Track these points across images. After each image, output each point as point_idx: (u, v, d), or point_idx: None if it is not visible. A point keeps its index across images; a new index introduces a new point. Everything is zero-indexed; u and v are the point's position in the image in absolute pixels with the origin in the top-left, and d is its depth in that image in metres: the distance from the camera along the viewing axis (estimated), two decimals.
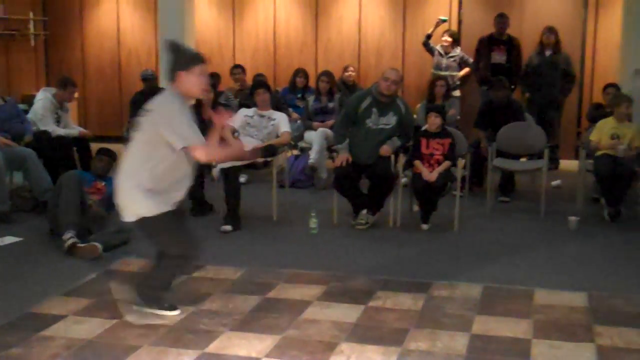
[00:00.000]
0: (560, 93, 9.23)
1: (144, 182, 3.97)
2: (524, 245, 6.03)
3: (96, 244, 5.56)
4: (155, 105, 3.94)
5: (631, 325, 4.15)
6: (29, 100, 9.12)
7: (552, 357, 3.74)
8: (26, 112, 8.28)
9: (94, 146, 7.55)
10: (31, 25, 11.84)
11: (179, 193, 4.14)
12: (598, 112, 7.93)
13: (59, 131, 8.07)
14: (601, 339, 3.97)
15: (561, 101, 9.35)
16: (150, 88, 8.99)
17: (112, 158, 6.47)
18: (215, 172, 6.56)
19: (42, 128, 7.93)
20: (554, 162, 9.12)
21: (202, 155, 3.94)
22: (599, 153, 6.88)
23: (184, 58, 3.95)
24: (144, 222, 4.05)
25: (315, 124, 8.50)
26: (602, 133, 6.90)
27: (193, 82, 3.95)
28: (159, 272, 4.30)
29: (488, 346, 3.88)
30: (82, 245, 5.54)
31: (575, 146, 9.32)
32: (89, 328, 4.10)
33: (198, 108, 7.27)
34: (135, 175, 3.98)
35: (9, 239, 6.03)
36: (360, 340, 3.94)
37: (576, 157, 8.03)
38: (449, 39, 9.70)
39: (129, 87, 11.33)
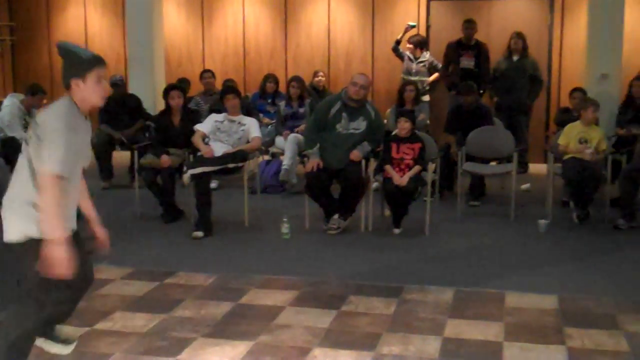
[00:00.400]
0: (528, 97, 9.34)
1: (33, 199, 3.29)
2: (494, 248, 6.08)
3: None
4: (43, 118, 3.34)
5: (601, 327, 4.21)
6: None
7: (524, 359, 3.77)
8: None
9: None
10: None
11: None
12: (565, 116, 8.04)
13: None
14: (572, 340, 4.01)
15: (529, 105, 9.46)
16: (119, 94, 8.95)
17: None
18: (186, 177, 6.53)
19: (10, 134, 7.85)
20: (523, 166, 9.22)
21: (44, 185, 3.18)
22: (567, 157, 6.96)
23: (77, 62, 3.35)
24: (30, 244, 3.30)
25: (285, 132, 8.49)
26: (569, 137, 6.98)
27: (90, 89, 3.35)
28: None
29: (460, 349, 3.90)
30: None
31: (543, 150, 9.42)
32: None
33: (168, 114, 7.27)
34: (25, 192, 3.33)
35: None
36: (333, 345, 3.94)
37: (545, 160, 8.12)
38: (411, 46, 9.74)
39: None
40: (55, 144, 3.18)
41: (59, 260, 3.14)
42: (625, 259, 5.78)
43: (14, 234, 3.32)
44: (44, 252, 3.14)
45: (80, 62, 3.34)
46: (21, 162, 3.39)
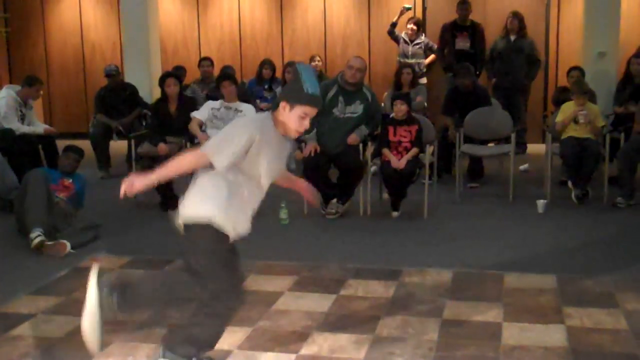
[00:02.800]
0: (525, 77, 9.32)
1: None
2: (493, 229, 6.08)
3: (64, 241, 5.51)
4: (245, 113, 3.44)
5: (600, 306, 4.20)
6: None
7: (523, 339, 3.77)
8: None
9: (60, 143, 7.47)
10: None
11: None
12: (563, 96, 7.99)
13: (24, 129, 7.98)
14: (571, 320, 4.01)
15: (527, 85, 9.43)
16: (114, 84, 8.93)
17: (79, 155, 6.41)
18: None
19: (6, 126, 7.83)
20: (521, 147, 9.20)
21: (193, 153, 3.32)
22: (564, 136, 6.94)
23: (296, 90, 3.29)
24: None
25: None
26: (565, 115, 6.96)
27: (292, 119, 3.29)
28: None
29: (459, 331, 3.90)
30: (50, 243, 5.48)
31: (542, 130, 9.41)
32: (59, 326, 4.05)
33: (164, 102, 7.25)
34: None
35: None
36: (332, 329, 3.94)
37: (543, 140, 8.10)
38: (414, 27, 9.71)
39: (94, 83, 11.20)
40: (229, 139, 3.22)
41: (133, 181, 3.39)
42: (624, 237, 5.78)
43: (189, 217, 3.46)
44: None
45: (299, 92, 3.29)
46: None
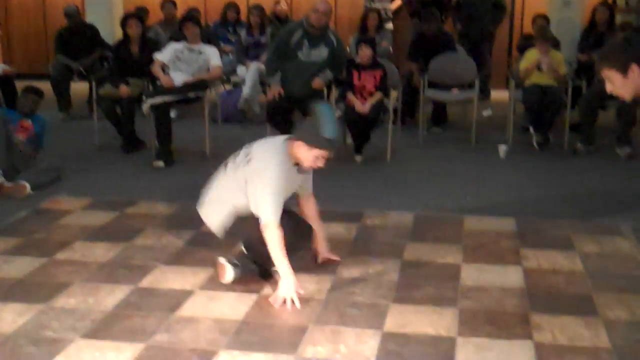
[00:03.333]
0: (491, 24, 9.29)
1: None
2: (455, 173, 6.13)
3: (24, 182, 5.45)
4: (256, 156, 3.70)
5: (557, 248, 4.29)
6: None
7: (480, 279, 3.84)
8: None
9: (20, 84, 7.32)
10: None
11: None
12: (527, 43, 8.02)
13: None
14: (528, 261, 4.09)
15: (492, 32, 9.41)
16: (74, 24, 8.73)
17: (38, 96, 6.30)
18: (145, 107, 6.45)
19: None
20: (485, 93, 9.24)
21: (268, 236, 3.56)
22: (528, 83, 6.98)
23: (311, 133, 3.58)
24: None
25: (248, 62, 8.39)
26: (529, 62, 6.99)
27: (303, 157, 3.62)
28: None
29: (419, 271, 3.96)
30: (10, 184, 5.42)
31: (506, 76, 9.44)
32: (19, 267, 4.03)
33: (126, 44, 7.12)
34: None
35: None
36: (296, 268, 3.95)
37: (507, 87, 8.14)
38: None
39: (54, 23, 10.91)
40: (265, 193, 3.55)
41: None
42: (582, 182, 5.87)
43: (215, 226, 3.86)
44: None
45: (317, 136, 3.55)
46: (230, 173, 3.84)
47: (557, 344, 3.14)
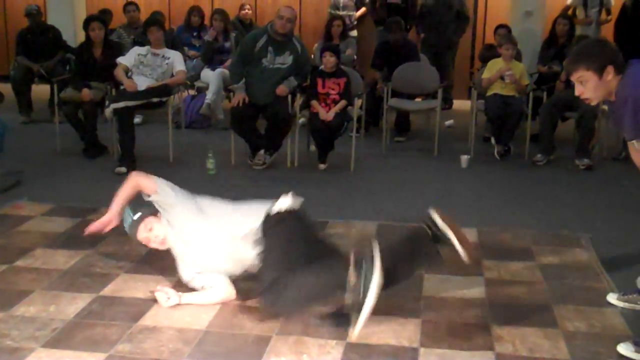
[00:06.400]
0: (454, 34, 9.39)
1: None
2: (417, 183, 6.18)
3: None
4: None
5: (517, 259, 4.34)
6: None
7: (443, 290, 3.88)
8: None
9: None
10: None
11: None
12: (490, 53, 8.12)
13: None
14: (489, 272, 4.14)
15: (455, 42, 9.52)
16: (35, 24, 8.62)
17: None
18: (108, 112, 6.39)
19: None
20: (447, 102, 9.33)
21: None
22: (489, 93, 7.07)
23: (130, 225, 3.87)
24: None
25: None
26: (492, 73, 7.08)
27: (135, 236, 3.89)
28: None
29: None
30: None
31: (468, 86, 9.54)
32: None
33: (88, 47, 7.05)
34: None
35: None
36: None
37: (469, 97, 8.23)
38: None
39: (16, 24, 10.75)
40: None
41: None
42: (543, 193, 5.96)
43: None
44: None
45: (129, 226, 3.86)
46: None
47: (517, 354, 3.19)
